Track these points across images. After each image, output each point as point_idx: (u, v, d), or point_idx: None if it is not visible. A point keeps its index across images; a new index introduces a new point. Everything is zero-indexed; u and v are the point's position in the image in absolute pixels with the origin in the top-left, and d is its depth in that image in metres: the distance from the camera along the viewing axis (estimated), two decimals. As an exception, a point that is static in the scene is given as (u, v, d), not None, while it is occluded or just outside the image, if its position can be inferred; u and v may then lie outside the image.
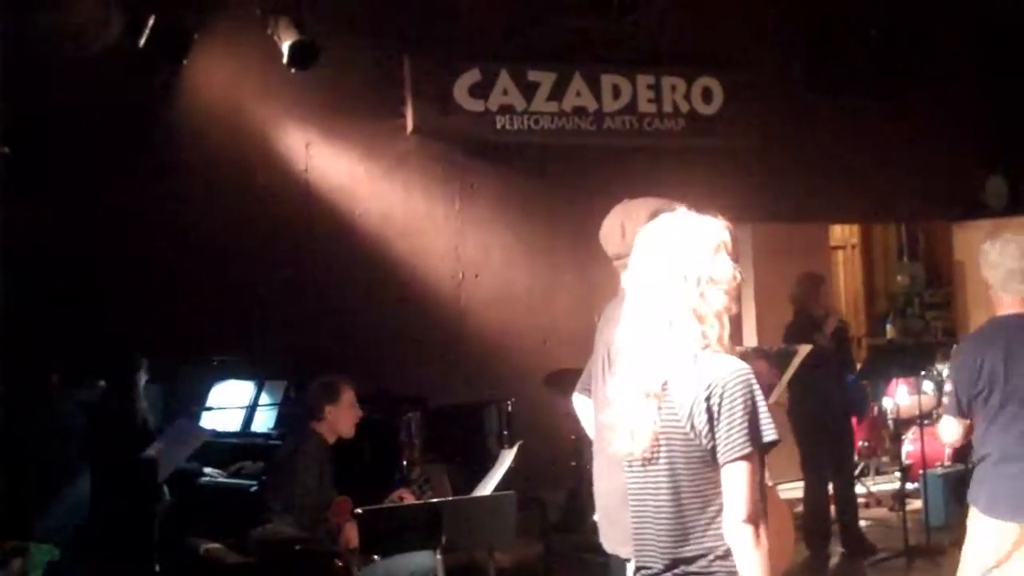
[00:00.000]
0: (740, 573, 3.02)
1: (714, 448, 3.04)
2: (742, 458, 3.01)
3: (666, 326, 3.12)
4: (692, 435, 3.06)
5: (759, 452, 3.04)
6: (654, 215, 4.02)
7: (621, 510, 4.12)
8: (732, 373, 3.05)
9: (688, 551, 3.10)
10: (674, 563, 3.11)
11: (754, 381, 3.05)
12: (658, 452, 3.13)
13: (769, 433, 3.05)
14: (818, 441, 8.62)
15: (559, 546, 8.00)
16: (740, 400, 3.02)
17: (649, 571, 3.18)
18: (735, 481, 3.02)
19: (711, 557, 3.07)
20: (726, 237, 3.21)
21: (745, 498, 3.01)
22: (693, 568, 3.09)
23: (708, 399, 3.03)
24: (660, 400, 3.11)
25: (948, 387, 5.18)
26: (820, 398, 8.31)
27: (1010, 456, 4.95)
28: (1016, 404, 4.95)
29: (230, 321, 8.29)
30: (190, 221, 8.35)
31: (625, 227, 4.12)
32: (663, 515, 3.15)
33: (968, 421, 5.07)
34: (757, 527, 3.00)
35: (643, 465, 3.18)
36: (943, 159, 11.40)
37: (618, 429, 3.22)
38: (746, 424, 3.01)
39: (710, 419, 3.03)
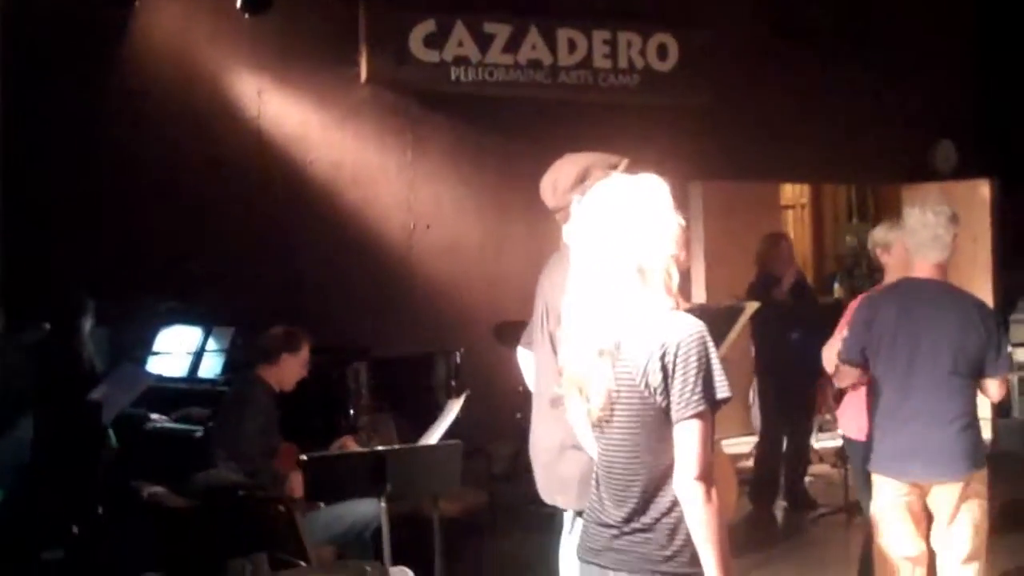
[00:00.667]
0: (691, 529, 3.05)
1: (668, 406, 3.06)
2: (695, 416, 3.04)
3: (615, 284, 3.14)
4: (647, 393, 3.08)
5: (712, 409, 3.07)
6: (584, 171, 4.14)
7: (558, 460, 4.17)
8: (687, 331, 3.07)
9: (641, 506, 3.12)
10: (629, 518, 3.13)
11: (708, 339, 3.07)
12: (613, 411, 3.15)
13: (722, 391, 3.07)
14: (781, 398, 8.71)
15: (504, 496, 8.06)
16: (695, 358, 3.04)
17: (605, 525, 3.19)
18: (688, 438, 3.04)
19: (663, 512, 3.10)
20: (665, 191, 3.23)
21: (698, 455, 3.03)
22: (644, 521, 3.11)
23: (663, 357, 3.04)
24: (614, 359, 3.12)
25: (844, 333, 5.34)
26: (783, 355, 8.39)
27: (894, 415, 5.13)
28: (904, 364, 5.10)
29: (178, 267, 8.24)
30: (140, 166, 8.29)
31: (557, 182, 4.21)
32: (617, 471, 3.17)
33: (859, 370, 5.29)
34: (709, 484, 3.03)
35: (600, 425, 3.20)
36: (894, 122, 11.49)
37: (573, 389, 3.23)
38: (700, 382, 3.03)
39: (664, 377, 3.04)
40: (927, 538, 5.23)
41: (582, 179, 4.11)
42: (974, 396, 5.17)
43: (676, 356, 3.04)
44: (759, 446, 9.01)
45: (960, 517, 5.11)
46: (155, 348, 7.87)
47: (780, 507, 8.97)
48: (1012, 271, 11.00)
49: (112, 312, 7.39)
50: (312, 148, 9.14)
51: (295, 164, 9.04)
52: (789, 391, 8.70)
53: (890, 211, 13.78)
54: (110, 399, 6.03)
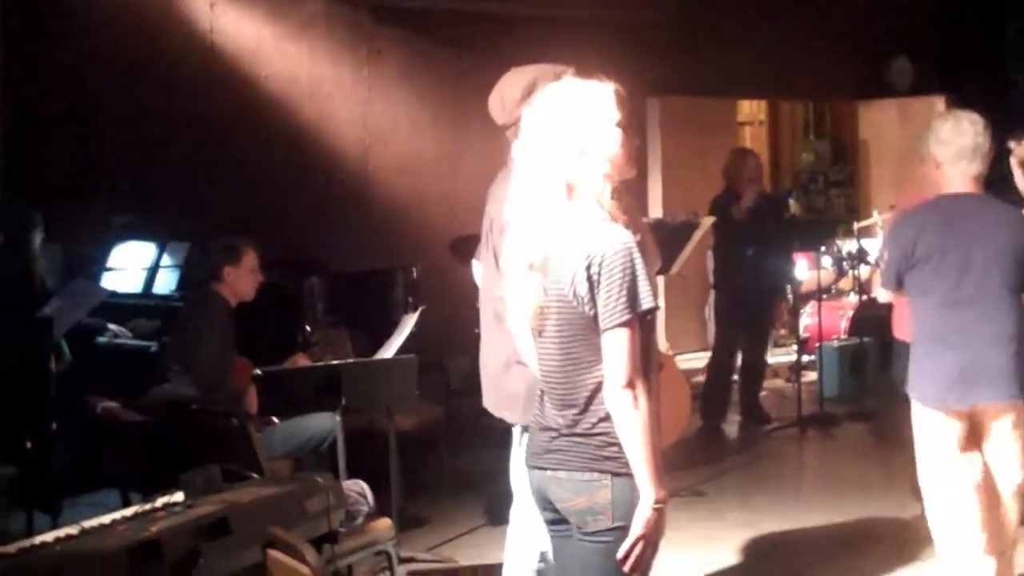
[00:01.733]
0: (620, 436, 3.08)
1: (596, 315, 3.08)
2: (621, 325, 3.05)
3: (552, 197, 3.13)
4: (575, 303, 3.09)
5: (639, 319, 3.09)
6: (531, 84, 4.06)
7: (504, 376, 4.19)
8: (612, 242, 3.07)
9: (576, 414, 3.15)
10: (570, 423, 3.16)
11: (635, 249, 3.07)
12: (547, 322, 3.17)
13: (647, 300, 3.08)
14: (736, 314, 8.76)
15: (460, 411, 8.08)
16: (619, 268, 3.05)
17: (546, 429, 3.22)
18: (614, 347, 3.06)
19: (601, 418, 3.12)
20: (613, 101, 3.19)
21: (624, 364, 3.05)
22: (583, 426, 3.14)
23: (588, 268, 3.05)
24: (544, 272, 3.13)
25: (885, 257, 5.02)
26: (740, 271, 8.42)
27: (943, 340, 4.76)
28: (952, 285, 4.76)
29: (133, 182, 8.17)
30: (91, 80, 8.17)
31: (504, 98, 4.17)
32: (555, 381, 3.20)
33: (900, 293, 4.95)
34: (636, 392, 3.05)
35: (535, 334, 3.22)
36: (851, 38, 11.48)
37: (509, 300, 3.25)
38: (625, 292, 3.04)
39: (591, 287, 3.06)
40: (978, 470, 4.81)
41: (529, 92, 4.00)
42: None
43: (601, 266, 3.05)
44: (711, 361, 9.06)
45: (1015, 444, 4.76)
46: (109, 264, 7.82)
47: (734, 421, 9.07)
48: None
49: (65, 228, 7.33)
50: (267, 62, 9.03)
51: (249, 78, 8.94)
52: (745, 307, 8.74)
53: (847, 128, 13.88)
54: (62, 314, 5.99)
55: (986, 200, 4.88)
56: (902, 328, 5.81)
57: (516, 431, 4.23)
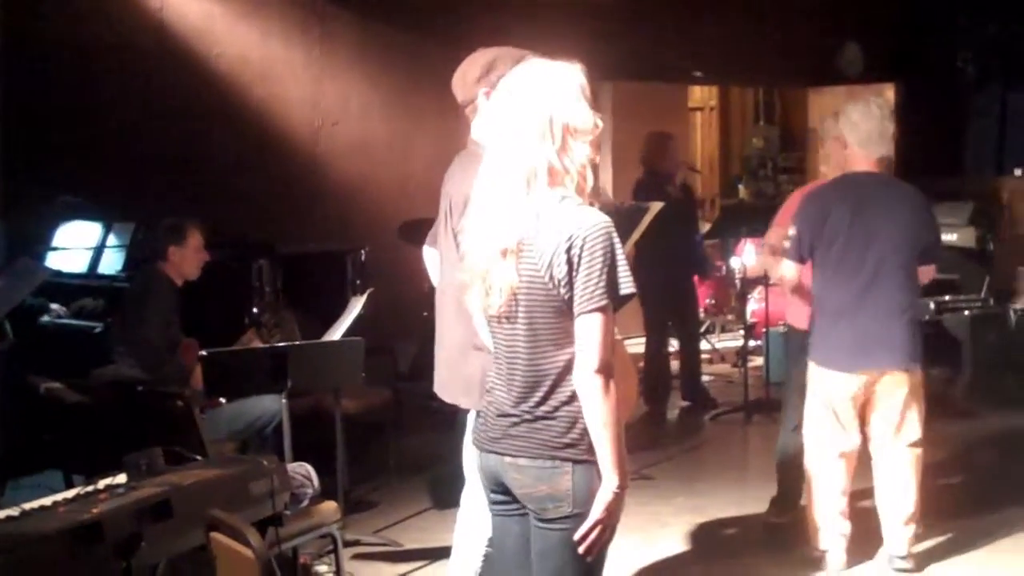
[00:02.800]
0: (588, 421, 3.07)
1: (571, 298, 3.06)
2: (598, 309, 3.04)
3: (526, 180, 3.10)
4: (551, 285, 3.07)
5: (615, 304, 3.08)
6: (490, 64, 4.13)
7: (461, 362, 4.18)
8: (593, 225, 3.05)
9: (539, 398, 3.13)
10: (531, 408, 3.15)
11: (614, 233, 3.06)
12: (516, 306, 3.14)
13: (626, 287, 3.08)
14: (662, 298, 8.77)
15: (408, 394, 8.10)
16: (600, 252, 3.04)
17: (504, 415, 3.21)
18: (589, 332, 3.05)
19: (563, 402, 3.11)
20: (584, 83, 3.18)
21: (598, 349, 3.04)
22: (544, 410, 3.12)
23: (569, 250, 3.03)
24: (518, 256, 3.11)
25: (791, 232, 5.39)
26: (666, 255, 8.43)
27: (846, 310, 5.25)
28: (856, 259, 5.22)
29: (78, 161, 8.08)
30: (37, 57, 8.07)
31: (465, 74, 4.21)
32: (519, 364, 3.18)
33: (803, 266, 5.40)
34: (608, 377, 3.05)
35: (499, 320, 3.20)
36: (801, 24, 11.52)
37: (474, 285, 3.22)
38: (604, 276, 3.03)
39: (570, 270, 3.04)
40: (862, 432, 5.42)
41: (487, 71, 4.11)
42: (918, 289, 5.42)
43: (582, 249, 3.03)
44: (646, 344, 9.07)
45: (911, 407, 5.32)
46: (54, 243, 7.74)
47: (678, 406, 9.11)
48: (916, 175, 11.15)
49: (8, 206, 7.25)
50: (217, 41, 8.95)
51: (199, 57, 8.85)
52: (671, 287, 8.74)
53: (797, 114, 13.95)
54: (5, 293, 5.93)
55: (889, 181, 5.47)
56: (792, 313, 6.01)
57: (471, 416, 4.20)
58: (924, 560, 5.55)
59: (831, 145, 5.84)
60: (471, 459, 4.14)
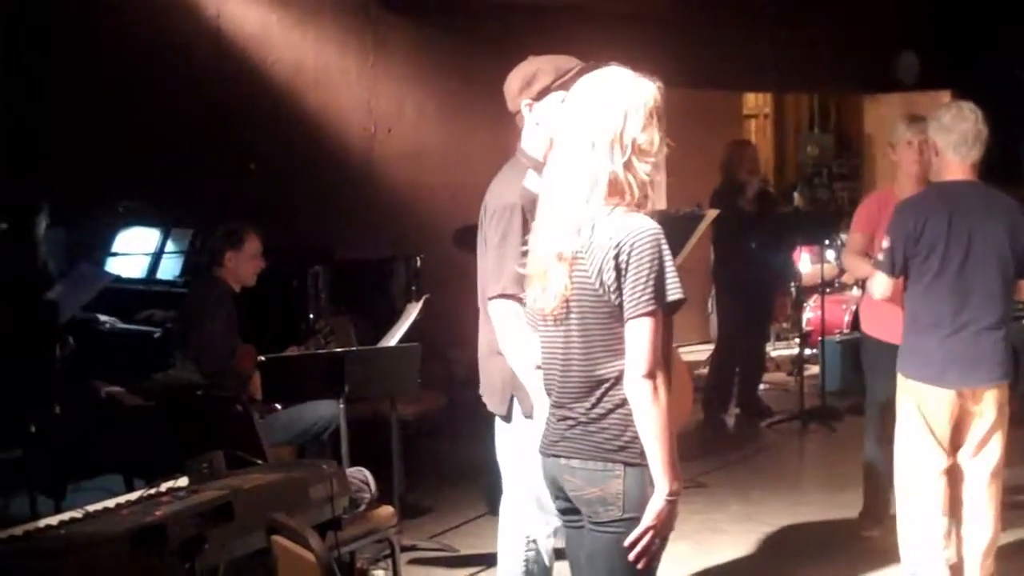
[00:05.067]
0: (638, 426, 3.08)
1: (621, 304, 3.08)
2: (646, 314, 3.05)
3: (588, 189, 3.12)
4: (601, 291, 3.09)
5: (664, 310, 3.09)
6: (532, 76, 4.10)
7: (487, 363, 4.22)
8: (641, 231, 3.07)
9: (593, 402, 3.15)
10: (585, 411, 3.16)
11: (663, 240, 3.07)
12: (569, 311, 3.17)
13: (674, 292, 3.09)
14: (736, 307, 8.76)
15: (463, 400, 8.09)
16: (647, 258, 3.05)
17: (562, 418, 3.23)
18: (638, 337, 3.06)
19: (616, 405, 3.12)
20: (658, 102, 3.19)
21: (647, 354, 3.05)
22: (598, 412, 3.14)
23: (617, 256, 3.05)
24: (571, 264, 3.13)
25: (885, 244, 5.14)
26: (744, 264, 8.42)
27: (944, 323, 4.96)
28: (955, 271, 4.94)
29: (138, 168, 8.15)
30: (99, 66, 8.15)
31: (510, 86, 4.17)
32: (574, 368, 3.19)
33: (898, 280, 5.09)
34: (656, 382, 3.05)
35: (555, 322, 3.21)
36: (857, 32, 11.47)
37: (533, 283, 3.25)
38: (652, 282, 3.04)
39: (618, 276, 3.06)
40: (955, 451, 5.10)
41: (528, 83, 4.10)
42: (1012, 302, 5.12)
43: (630, 255, 3.05)
44: (715, 354, 9.08)
45: (998, 425, 5.03)
46: (113, 249, 7.82)
47: (733, 414, 9.07)
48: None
49: (70, 214, 7.33)
50: (272, 49, 9.01)
51: (255, 64, 8.91)
52: (747, 299, 8.75)
53: (852, 121, 13.86)
54: (67, 298, 6.01)
55: (984, 188, 5.10)
56: (873, 324, 5.91)
57: (498, 422, 4.26)
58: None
59: (902, 150, 5.74)
60: (505, 463, 4.32)
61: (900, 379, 5.12)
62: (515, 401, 4.11)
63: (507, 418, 4.18)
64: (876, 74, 11.78)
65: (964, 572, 5.17)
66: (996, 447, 5.06)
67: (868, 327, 6.07)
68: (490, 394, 4.23)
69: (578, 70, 3.91)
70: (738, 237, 8.50)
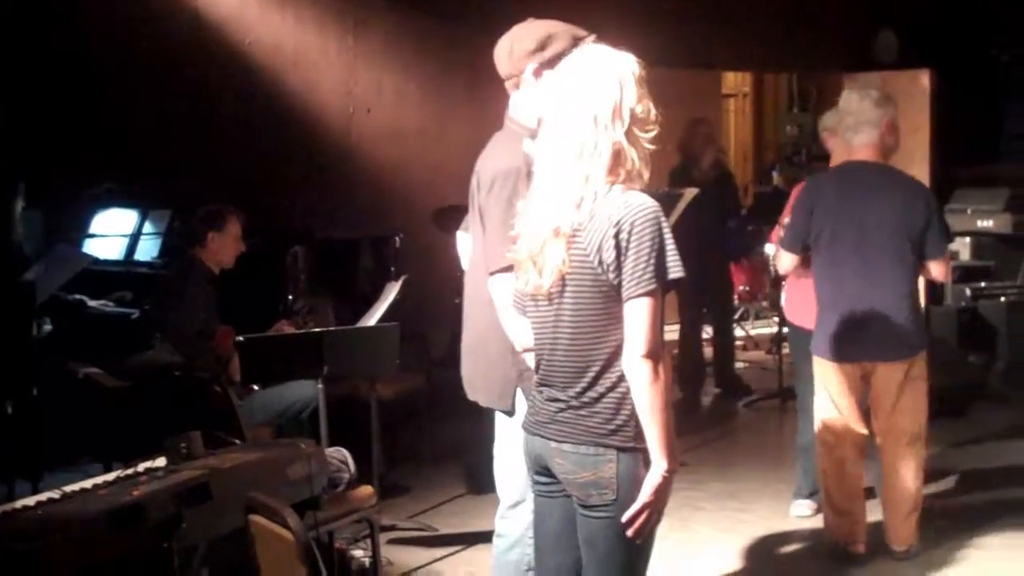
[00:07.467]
0: (637, 405, 3.07)
1: (620, 283, 3.06)
2: (646, 294, 3.03)
3: (589, 163, 3.09)
4: (600, 270, 3.07)
5: (663, 289, 3.08)
6: (546, 39, 3.86)
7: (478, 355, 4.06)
8: (641, 209, 3.05)
9: (590, 381, 3.13)
10: (577, 393, 3.15)
11: (663, 218, 3.06)
12: (563, 289, 3.15)
13: (675, 270, 3.07)
14: (695, 284, 8.73)
15: (441, 381, 8.10)
16: (648, 236, 3.03)
17: (552, 399, 3.22)
18: (638, 316, 3.05)
19: (609, 387, 3.12)
20: (643, 73, 3.19)
21: (647, 333, 3.04)
22: (591, 395, 3.13)
23: (617, 235, 3.03)
24: (569, 240, 3.11)
25: (786, 221, 5.42)
26: (697, 239, 8.39)
27: (840, 300, 5.21)
28: (847, 248, 5.18)
29: (114, 149, 8.12)
30: (76, 46, 8.11)
31: (514, 46, 3.92)
32: (561, 349, 3.18)
33: (799, 257, 5.39)
34: (656, 362, 3.04)
35: (548, 300, 3.19)
36: (836, 11, 11.47)
37: (527, 263, 3.21)
38: (653, 261, 3.03)
39: (618, 254, 3.04)
40: (867, 423, 5.37)
41: (542, 46, 3.84)
42: (916, 278, 5.27)
43: (631, 233, 3.03)
44: (680, 330, 9.05)
45: (904, 399, 5.24)
46: (91, 230, 7.79)
47: (712, 393, 9.10)
48: (949, 162, 11.10)
49: (46, 195, 7.29)
50: (250, 29, 8.97)
51: (233, 45, 8.88)
52: (703, 272, 8.70)
53: (831, 101, 13.88)
54: (44, 279, 5.98)
55: (883, 168, 5.31)
56: (793, 311, 6.00)
57: (498, 415, 4.09)
58: (929, 550, 5.53)
59: (825, 139, 5.93)
60: (509, 469, 3.98)
61: (815, 359, 5.40)
62: (520, 393, 3.84)
63: (510, 412, 3.93)
64: (855, 53, 11.77)
65: (886, 535, 5.47)
66: (907, 419, 5.28)
67: (790, 315, 6.18)
68: (487, 390, 3.99)
69: (592, 40, 3.73)
70: (692, 211, 8.46)
